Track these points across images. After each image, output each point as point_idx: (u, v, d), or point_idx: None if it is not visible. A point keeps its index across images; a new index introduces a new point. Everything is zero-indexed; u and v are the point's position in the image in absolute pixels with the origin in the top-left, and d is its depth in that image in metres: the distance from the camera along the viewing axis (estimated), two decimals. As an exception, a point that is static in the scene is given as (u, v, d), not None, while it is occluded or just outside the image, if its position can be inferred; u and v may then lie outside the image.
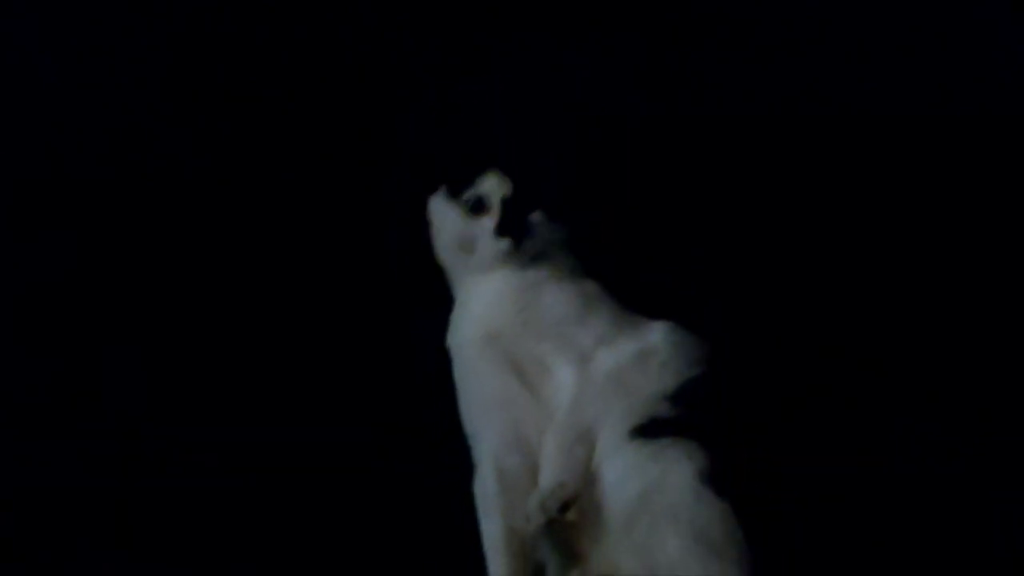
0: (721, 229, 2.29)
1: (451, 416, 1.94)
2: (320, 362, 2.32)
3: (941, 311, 2.28)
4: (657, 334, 1.89)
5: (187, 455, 2.25)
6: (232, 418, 2.29)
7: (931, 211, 2.30)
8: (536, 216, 1.91)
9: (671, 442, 1.80)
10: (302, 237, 2.34)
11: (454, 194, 1.93)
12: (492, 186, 1.91)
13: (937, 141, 2.31)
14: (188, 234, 2.34)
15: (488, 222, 1.90)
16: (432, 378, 1.99)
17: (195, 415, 2.28)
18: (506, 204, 1.90)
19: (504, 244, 1.89)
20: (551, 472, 1.82)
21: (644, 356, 1.87)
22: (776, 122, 2.32)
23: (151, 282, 2.32)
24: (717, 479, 1.77)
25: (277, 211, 2.35)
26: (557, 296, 1.91)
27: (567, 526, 1.83)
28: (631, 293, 1.92)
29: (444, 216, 1.95)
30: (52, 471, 2.24)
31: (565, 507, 1.79)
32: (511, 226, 1.89)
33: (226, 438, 2.26)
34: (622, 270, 1.97)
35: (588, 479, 1.82)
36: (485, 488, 1.90)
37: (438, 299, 1.98)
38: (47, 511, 2.23)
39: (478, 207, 1.91)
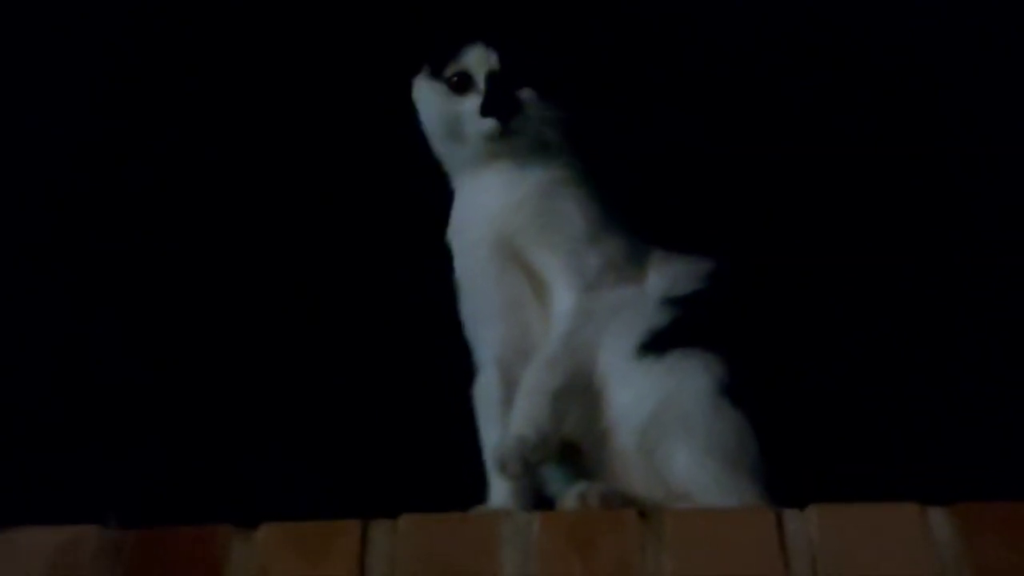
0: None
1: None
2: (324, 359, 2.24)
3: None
4: (659, 270, 1.77)
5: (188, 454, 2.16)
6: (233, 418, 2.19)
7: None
8: (527, 94, 1.76)
9: (686, 353, 1.68)
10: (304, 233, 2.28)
11: (436, 71, 1.79)
12: (477, 59, 1.77)
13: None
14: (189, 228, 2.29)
15: (473, 101, 1.76)
16: (441, 374, 1.90)
17: (197, 414, 2.19)
18: (492, 80, 1.75)
19: (490, 124, 1.75)
20: (534, 417, 1.65)
21: (647, 294, 1.74)
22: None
23: (151, 279, 2.27)
24: (735, 390, 1.65)
25: (279, 207, 2.29)
26: (575, 208, 1.77)
27: (571, 452, 1.71)
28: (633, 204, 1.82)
29: (427, 97, 1.81)
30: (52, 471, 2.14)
31: (543, 461, 1.66)
32: (498, 104, 1.74)
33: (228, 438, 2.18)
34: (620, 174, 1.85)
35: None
36: (488, 395, 1.77)
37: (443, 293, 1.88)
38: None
39: (462, 84, 1.77)
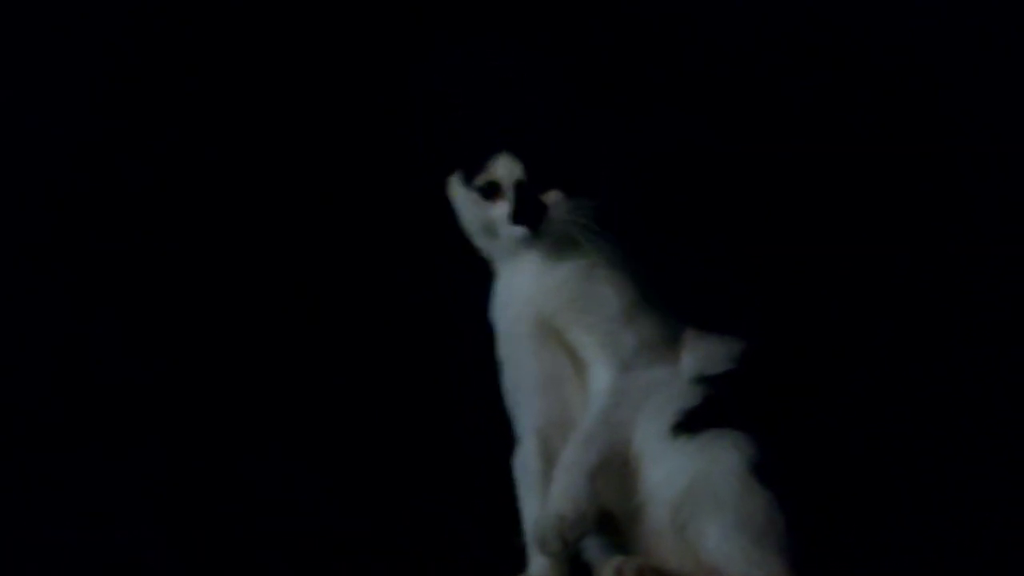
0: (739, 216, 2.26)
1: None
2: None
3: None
4: (692, 349, 1.84)
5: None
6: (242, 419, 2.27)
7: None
8: (553, 196, 1.82)
9: (718, 433, 1.77)
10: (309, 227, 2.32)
11: (468, 179, 1.85)
12: (504, 169, 1.82)
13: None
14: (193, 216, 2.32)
15: (503, 207, 1.82)
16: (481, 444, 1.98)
17: (201, 417, 2.25)
18: (520, 188, 1.81)
19: (521, 231, 1.81)
20: (572, 495, 1.74)
21: (680, 374, 1.83)
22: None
23: (153, 272, 2.31)
24: (764, 469, 1.74)
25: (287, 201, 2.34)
26: (612, 290, 1.85)
27: (609, 523, 1.80)
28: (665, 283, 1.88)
29: (462, 201, 1.87)
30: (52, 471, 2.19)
31: (581, 537, 1.76)
32: (527, 212, 1.81)
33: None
34: (653, 256, 1.91)
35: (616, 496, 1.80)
36: (528, 465, 1.86)
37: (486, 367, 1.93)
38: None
39: (492, 192, 1.83)
